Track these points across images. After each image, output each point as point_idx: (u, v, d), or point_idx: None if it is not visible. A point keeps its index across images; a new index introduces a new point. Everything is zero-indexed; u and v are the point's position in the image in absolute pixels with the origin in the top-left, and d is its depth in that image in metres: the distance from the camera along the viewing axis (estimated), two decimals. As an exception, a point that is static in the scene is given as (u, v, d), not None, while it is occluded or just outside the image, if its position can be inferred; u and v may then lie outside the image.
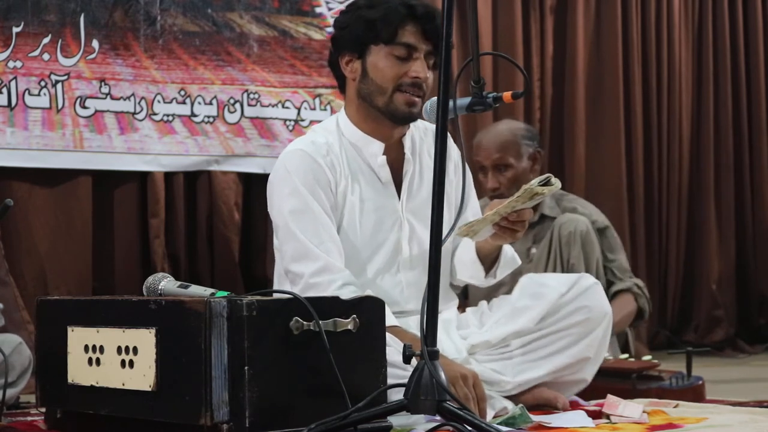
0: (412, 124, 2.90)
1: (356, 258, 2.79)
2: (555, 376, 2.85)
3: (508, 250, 2.89)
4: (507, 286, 3.71)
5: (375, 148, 2.84)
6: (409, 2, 2.77)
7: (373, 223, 2.83)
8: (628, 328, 4.07)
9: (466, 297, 3.86)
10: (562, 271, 3.82)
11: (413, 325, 2.76)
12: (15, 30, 4.10)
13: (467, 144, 3.72)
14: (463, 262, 2.93)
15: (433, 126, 2.41)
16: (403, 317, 2.80)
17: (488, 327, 2.88)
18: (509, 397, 2.79)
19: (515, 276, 3.53)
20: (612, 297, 3.84)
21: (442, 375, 2.12)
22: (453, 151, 2.94)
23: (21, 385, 2.95)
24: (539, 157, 3.92)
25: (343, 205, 2.80)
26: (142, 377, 2.26)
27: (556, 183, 2.43)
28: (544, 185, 2.42)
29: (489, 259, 2.88)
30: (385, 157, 2.84)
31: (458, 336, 2.87)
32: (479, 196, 3.97)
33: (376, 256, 2.83)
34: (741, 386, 4.04)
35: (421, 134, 2.94)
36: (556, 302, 2.83)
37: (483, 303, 3.03)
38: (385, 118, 2.81)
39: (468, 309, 3.05)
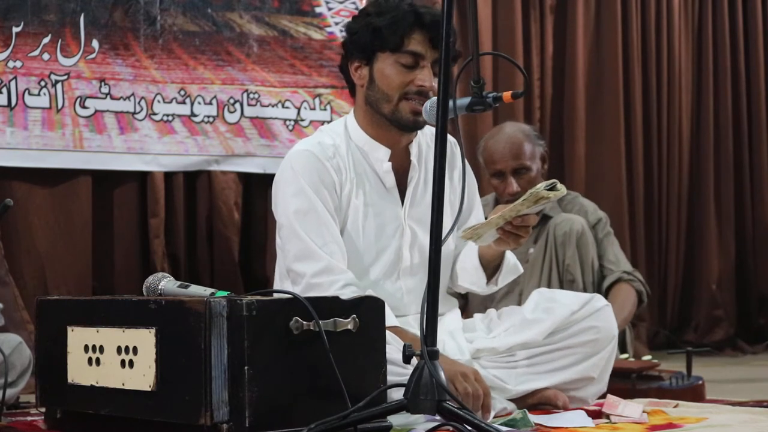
0: (419, 131, 2.90)
1: (358, 262, 2.79)
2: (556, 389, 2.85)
3: (510, 258, 2.89)
4: (506, 286, 3.71)
5: (381, 154, 2.83)
6: (417, 10, 2.75)
7: (375, 229, 2.82)
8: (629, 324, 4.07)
9: (466, 300, 3.86)
10: (558, 271, 3.82)
11: (414, 324, 2.76)
12: (15, 30, 4.10)
13: (470, 147, 3.71)
14: (465, 269, 2.93)
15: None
16: (403, 318, 2.80)
17: (496, 334, 2.88)
18: (510, 399, 2.78)
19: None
20: (607, 291, 3.83)
21: (442, 375, 2.12)
22: (457, 159, 2.93)
23: (21, 384, 2.95)
24: (546, 157, 3.92)
25: (347, 207, 2.80)
26: (141, 377, 2.26)
27: (562, 189, 2.42)
28: (549, 190, 2.41)
29: (491, 266, 2.88)
30: (390, 163, 2.83)
31: (464, 339, 2.87)
32: (483, 195, 3.98)
33: (377, 262, 2.83)
34: (741, 386, 4.04)
35: (428, 140, 2.93)
36: (566, 319, 2.84)
37: (492, 311, 3.03)
38: (391, 125, 2.80)
39: (476, 315, 3.05)
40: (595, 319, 2.87)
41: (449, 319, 2.91)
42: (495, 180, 3.85)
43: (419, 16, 2.74)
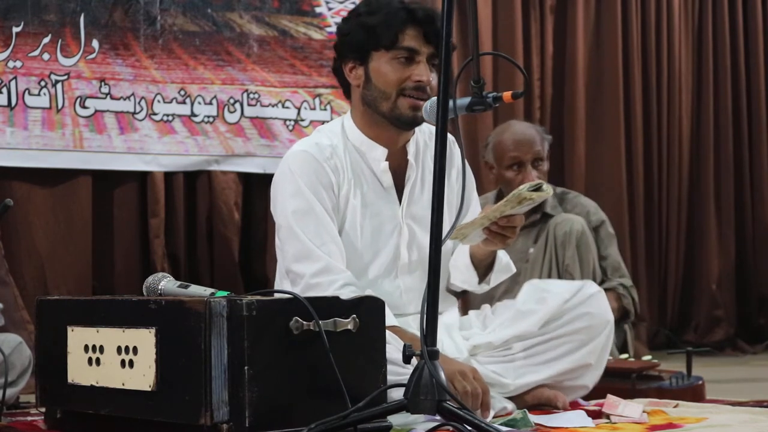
0: (417, 128, 2.90)
1: (357, 261, 2.79)
2: (555, 381, 2.86)
3: (503, 257, 2.89)
4: (505, 284, 3.71)
5: (378, 154, 2.84)
6: (408, 6, 2.77)
7: (373, 228, 2.83)
8: (627, 324, 4.06)
9: (465, 295, 3.85)
10: (558, 271, 3.82)
11: (413, 324, 2.76)
12: (15, 30, 4.10)
13: (469, 147, 3.72)
14: (458, 267, 2.93)
15: (436, 128, 2.41)
16: (402, 318, 2.80)
17: (491, 329, 2.88)
18: (510, 397, 2.79)
19: (514, 276, 3.53)
20: None
21: (442, 374, 2.12)
22: (456, 157, 2.93)
23: (21, 384, 2.95)
24: (548, 156, 3.95)
25: (345, 207, 2.80)
26: (142, 377, 2.26)
27: (548, 189, 2.43)
28: (534, 191, 2.41)
29: (483, 265, 2.88)
30: (387, 163, 2.84)
31: (460, 336, 2.87)
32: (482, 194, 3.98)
33: (375, 261, 2.83)
34: (741, 386, 4.04)
35: (425, 138, 2.93)
36: (559, 308, 2.84)
37: (486, 306, 3.03)
38: (389, 123, 2.81)
39: (471, 311, 3.05)
40: (587, 305, 2.87)
41: (446, 318, 2.91)
42: (511, 172, 3.84)
43: (412, 12, 2.75)
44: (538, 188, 2.41)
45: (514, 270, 2.96)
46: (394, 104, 2.77)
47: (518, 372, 2.81)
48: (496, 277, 2.90)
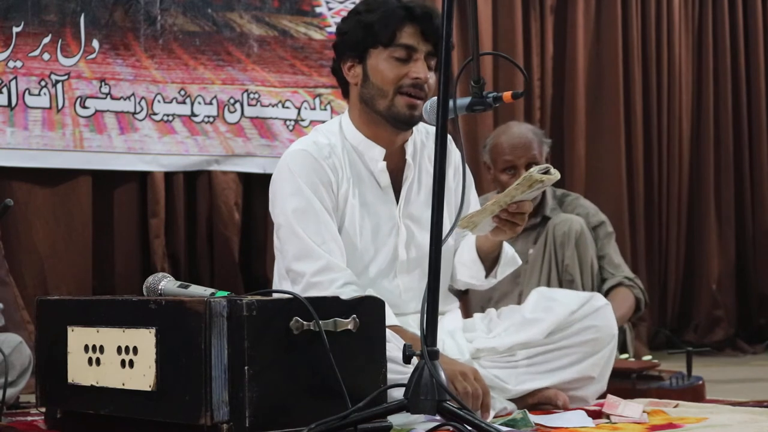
0: (414, 128, 2.89)
1: (357, 260, 2.79)
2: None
3: (508, 250, 2.89)
4: (504, 286, 3.71)
5: (376, 153, 2.83)
6: (406, 4, 2.77)
7: (371, 228, 2.82)
8: (627, 324, 4.06)
9: (465, 293, 3.85)
10: (558, 272, 3.82)
11: (413, 323, 2.76)
12: (15, 30, 4.10)
13: (469, 148, 3.71)
14: (464, 263, 2.93)
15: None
16: (402, 317, 2.80)
17: (496, 334, 2.87)
18: (510, 398, 2.79)
19: (514, 277, 3.52)
20: (606, 293, 3.84)
21: (442, 374, 2.12)
22: (453, 156, 2.93)
23: (21, 384, 2.95)
24: (548, 157, 3.94)
25: (344, 207, 2.80)
26: (142, 377, 2.26)
27: (555, 173, 2.42)
28: (543, 174, 2.41)
29: (489, 258, 2.88)
30: (385, 163, 2.83)
31: (463, 338, 2.87)
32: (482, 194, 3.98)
33: (374, 261, 2.83)
34: (741, 386, 4.04)
35: (423, 138, 2.93)
36: (566, 318, 2.84)
37: (492, 310, 3.03)
38: (386, 122, 2.80)
39: (475, 315, 3.05)
40: (594, 318, 2.87)
41: (449, 319, 2.91)
42: (505, 175, 3.83)
43: (410, 10, 2.76)
44: (546, 171, 2.41)
45: (520, 262, 2.95)
46: (391, 102, 2.77)
47: (520, 378, 2.81)
48: (503, 270, 2.90)
